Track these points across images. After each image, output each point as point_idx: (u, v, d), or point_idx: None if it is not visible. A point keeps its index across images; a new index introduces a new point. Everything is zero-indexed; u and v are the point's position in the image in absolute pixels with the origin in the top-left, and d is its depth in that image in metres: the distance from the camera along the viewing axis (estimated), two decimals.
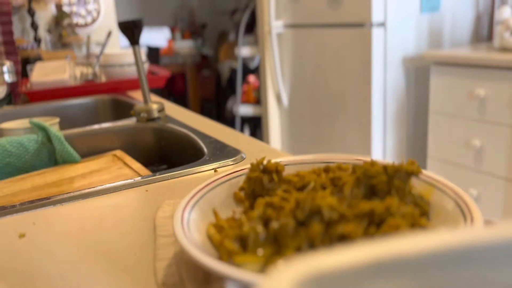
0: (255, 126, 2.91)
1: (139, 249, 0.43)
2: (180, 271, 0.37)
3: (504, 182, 1.56)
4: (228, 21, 3.89)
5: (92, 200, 0.56)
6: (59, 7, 2.23)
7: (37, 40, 2.09)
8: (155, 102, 0.95)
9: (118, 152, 0.85)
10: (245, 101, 2.76)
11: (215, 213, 0.42)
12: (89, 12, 2.35)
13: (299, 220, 0.34)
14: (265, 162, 0.45)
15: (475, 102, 1.60)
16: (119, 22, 0.87)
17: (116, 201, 0.56)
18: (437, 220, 0.38)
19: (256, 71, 2.80)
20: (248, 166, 0.46)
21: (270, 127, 2.41)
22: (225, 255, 0.33)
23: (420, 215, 0.37)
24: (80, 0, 2.32)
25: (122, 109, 1.27)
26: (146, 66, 1.41)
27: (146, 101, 0.93)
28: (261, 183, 0.44)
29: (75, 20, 2.29)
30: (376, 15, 1.76)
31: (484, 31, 2.04)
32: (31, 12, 2.10)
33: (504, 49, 1.64)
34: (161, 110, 0.94)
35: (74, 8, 2.31)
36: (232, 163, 0.67)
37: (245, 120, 2.88)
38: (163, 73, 1.48)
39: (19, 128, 0.85)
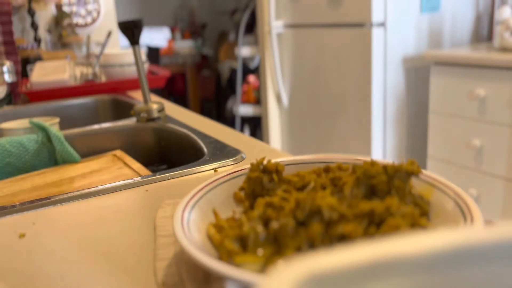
0: (255, 126, 2.91)
1: (139, 249, 0.43)
2: (180, 271, 0.37)
3: (504, 182, 1.56)
4: (228, 21, 3.89)
5: (92, 200, 0.56)
6: (59, 7, 2.23)
7: (37, 40, 2.09)
8: (155, 102, 0.95)
9: (118, 152, 0.85)
10: (245, 101, 2.76)
11: (215, 213, 0.42)
12: (89, 12, 2.35)
13: (299, 220, 0.34)
14: (265, 162, 0.45)
15: (475, 102, 1.60)
16: (119, 22, 0.87)
17: (116, 201, 0.56)
18: (437, 220, 0.38)
19: (256, 71, 2.80)
20: (248, 166, 0.46)
21: (270, 127, 2.41)
22: (225, 255, 0.33)
23: (420, 215, 0.37)
24: (80, 0, 2.32)
25: (122, 109, 1.27)
26: (146, 66, 1.41)
27: (146, 101, 0.93)
28: (261, 183, 0.44)
29: (75, 20, 2.29)
30: (376, 15, 1.76)
31: (484, 31, 2.04)
32: (31, 12, 2.10)
33: (504, 49, 1.64)
34: (161, 110, 0.94)
35: (74, 8, 2.31)
36: (232, 163, 0.67)
37: (245, 120, 2.88)
38: (163, 73, 1.48)
39: (19, 128, 0.85)
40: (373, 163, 0.39)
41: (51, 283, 0.38)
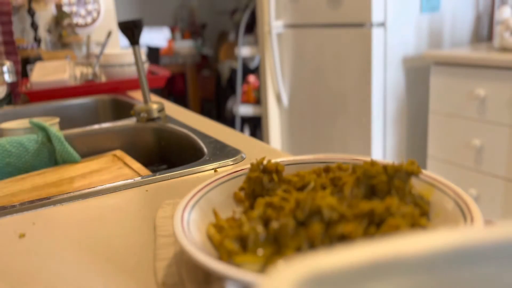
0: (255, 126, 2.91)
1: (139, 249, 0.43)
2: (180, 271, 0.37)
3: (504, 182, 1.56)
4: (228, 21, 3.89)
5: (92, 200, 0.56)
6: (59, 7, 2.23)
7: (37, 40, 2.09)
8: (155, 102, 0.95)
9: (118, 152, 0.85)
10: (245, 101, 2.76)
11: (215, 213, 0.42)
12: (89, 12, 2.35)
13: (299, 220, 0.34)
14: (265, 162, 0.45)
15: (475, 102, 1.60)
16: (119, 22, 0.87)
17: (116, 201, 0.56)
18: (437, 220, 0.38)
19: (256, 71, 2.80)
20: (248, 166, 0.46)
21: (270, 127, 2.41)
22: (225, 255, 0.33)
23: (420, 215, 0.37)
24: (80, 0, 2.32)
25: (122, 109, 1.27)
26: (146, 66, 1.41)
27: (146, 101, 0.93)
28: (261, 183, 0.44)
29: (75, 20, 2.29)
30: (376, 15, 1.76)
31: (484, 31, 2.04)
32: (31, 12, 2.10)
33: (504, 49, 1.64)
34: (161, 110, 0.94)
35: (74, 8, 2.31)
36: (232, 163, 0.67)
37: (245, 120, 2.88)
38: (163, 73, 1.48)
39: (19, 128, 0.85)
40: (373, 163, 0.39)
41: (51, 283, 0.38)
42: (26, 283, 0.38)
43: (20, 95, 1.30)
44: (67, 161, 0.81)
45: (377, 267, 0.16)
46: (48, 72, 1.37)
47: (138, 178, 0.62)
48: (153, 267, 0.39)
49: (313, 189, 0.42)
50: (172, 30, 4.20)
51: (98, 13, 2.36)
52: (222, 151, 0.71)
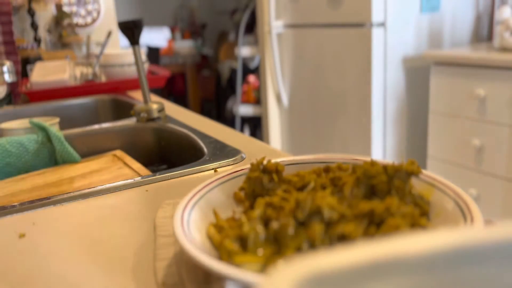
0: (255, 126, 2.91)
1: (139, 249, 0.43)
2: (180, 271, 0.37)
3: (504, 182, 1.56)
4: (228, 21, 3.89)
5: (92, 200, 0.56)
6: (59, 7, 2.23)
7: (37, 40, 2.09)
8: (155, 102, 0.95)
9: (118, 152, 0.85)
10: (245, 101, 2.76)
11: (215, 213, 0.42)
12: (89, 12, 2.35)
13: (299, 220, 0.34)
14: (265, 162, 0.45)
15: (475, 102, 1.60)
16: (119, 22, 0.87)
17: (116, 201, 0.56)
18: (437, 220, 0.38)
19: (256, 71, 2.80)
20: (248, 166, 0.46)
21: (270, 127, 2.41)
22: (225, 255, 0.33)
23: (420, 215, 0.37)
24: (80, 0, 2.32)
25: (122, 109, 1.27)
26: (146, 66, 1.41)
27: (146, 101, 0.93)
28: (261, 183, 0.44)
29: (75, 20, 2.29)
30: (376, 15, 1.76)
31: (484, 31, 2.04)
32: (31, 12, 2.10)
33: (504, 49, 1.64)
34: (161, 110, 0.94)
35: (74, 8, 2.31)
36: (232, 163, 0.67)
37: (245, 120, 2.88)
38: (163, 73, 1.48)
39: (19, 128, 0.85)
40: (373, 163, 0.39)
41: (51, 283, 0.38)
42: (26, 283, 0.38)
43: (20, 95, 1.30)
44: (67, 161, 0.81)
45: (377, 267, 0.16)
46: (48, 72, 1.37)
47: (138, 178, 0.62)
48: (153, 267, 0.39)
49: (313, 189, 0.42)
50: (172, 30, 4.20)
51: (98, 13, 2.36)
52: (222, 151, 0.71)
